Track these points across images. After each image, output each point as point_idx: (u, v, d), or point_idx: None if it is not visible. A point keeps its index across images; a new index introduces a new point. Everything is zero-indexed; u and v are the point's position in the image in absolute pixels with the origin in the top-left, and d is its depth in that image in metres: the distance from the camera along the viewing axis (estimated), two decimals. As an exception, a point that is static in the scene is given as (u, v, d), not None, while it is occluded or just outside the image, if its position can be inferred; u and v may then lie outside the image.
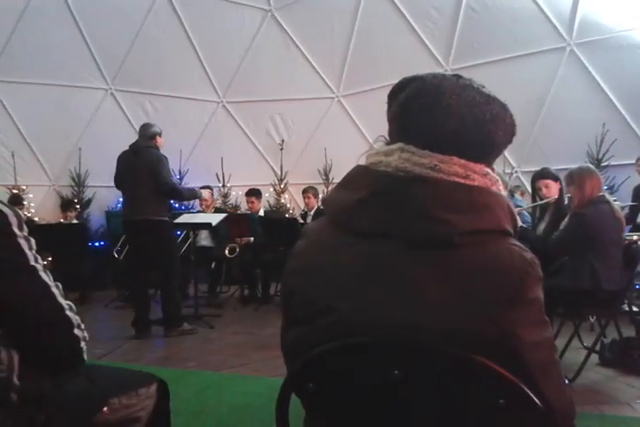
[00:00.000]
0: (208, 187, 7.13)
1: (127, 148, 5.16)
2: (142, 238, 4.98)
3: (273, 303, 6.43)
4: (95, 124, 8.39)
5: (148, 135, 5.09)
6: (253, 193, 7.35)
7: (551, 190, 4.15)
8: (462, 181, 0.96)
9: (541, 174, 4.25)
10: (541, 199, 4.21)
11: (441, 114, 0.97)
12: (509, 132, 1.02)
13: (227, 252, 6.74)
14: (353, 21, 8.14)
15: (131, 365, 3.71)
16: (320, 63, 8.61)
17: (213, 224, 5.72)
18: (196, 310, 5.50)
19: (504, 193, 1.02)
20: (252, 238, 6.85)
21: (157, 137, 5.16)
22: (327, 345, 0.93)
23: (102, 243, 7.84)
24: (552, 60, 7.04)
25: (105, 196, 8.51)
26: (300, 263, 1.07)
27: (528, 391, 0.87)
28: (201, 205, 7.30)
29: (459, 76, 1.02)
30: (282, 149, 8.67)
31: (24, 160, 8.08)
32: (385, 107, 1.07)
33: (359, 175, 1.04)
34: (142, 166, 4.92)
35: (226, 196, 8.85)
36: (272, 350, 4.14)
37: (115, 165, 5.20)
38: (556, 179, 4.18)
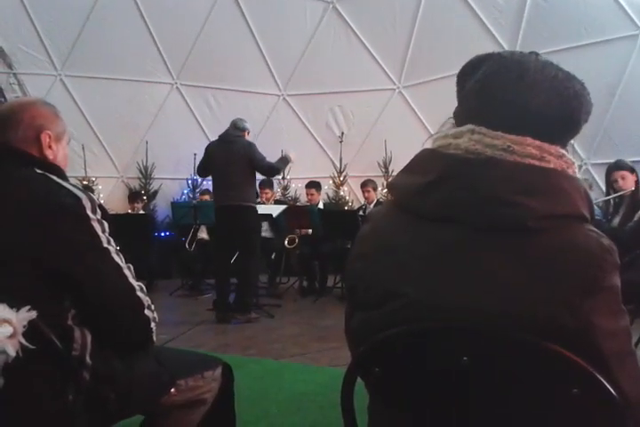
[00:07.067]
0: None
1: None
2: (233, 224, 5.05)
3: (331, 295, 6.45)
4: (161, 117, 8.56)
5: (239, 127, 5.25)
6: (313, 185, 7.38)
7: (627, 182, 4.03)
8: (537, 163, 0.92)
9: (618, 165, 4.14)
10: (616, 191, 4.08)
11: (526, 90, 0.94)
12: (588, 111, 0.99)
13: (286, 242, 6.81)
14: (415, 11, 7.99)
15: (194, 350, 3.80)
16: (381, 54, 8.52)
17: (274, 215, 5.77)
18: (257, 299, 5.56)
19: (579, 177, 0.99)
20: (310, 230, 6.90)
21: (246, 132, 5.31)
22: (397, 329, 0.92)
23: (167, 233, 8.05)
24: (624, 48, 6.70)
25: (170, 187, 8.74)
26: (365, 248, 1.06)
27: (603, 381, 0.84)
28: (261, 197, 7.39)
29: (537, 54, 0.99)
30: (341, 142, 8.65)
31: (93, 153, 8.33)
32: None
33: (427, 159, 1.01)
34: (236, 153, 5.05)
35: (285, 188, 8.91)
36: (330, 341, 4.17)
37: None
38: (632, 170, 4.06)
